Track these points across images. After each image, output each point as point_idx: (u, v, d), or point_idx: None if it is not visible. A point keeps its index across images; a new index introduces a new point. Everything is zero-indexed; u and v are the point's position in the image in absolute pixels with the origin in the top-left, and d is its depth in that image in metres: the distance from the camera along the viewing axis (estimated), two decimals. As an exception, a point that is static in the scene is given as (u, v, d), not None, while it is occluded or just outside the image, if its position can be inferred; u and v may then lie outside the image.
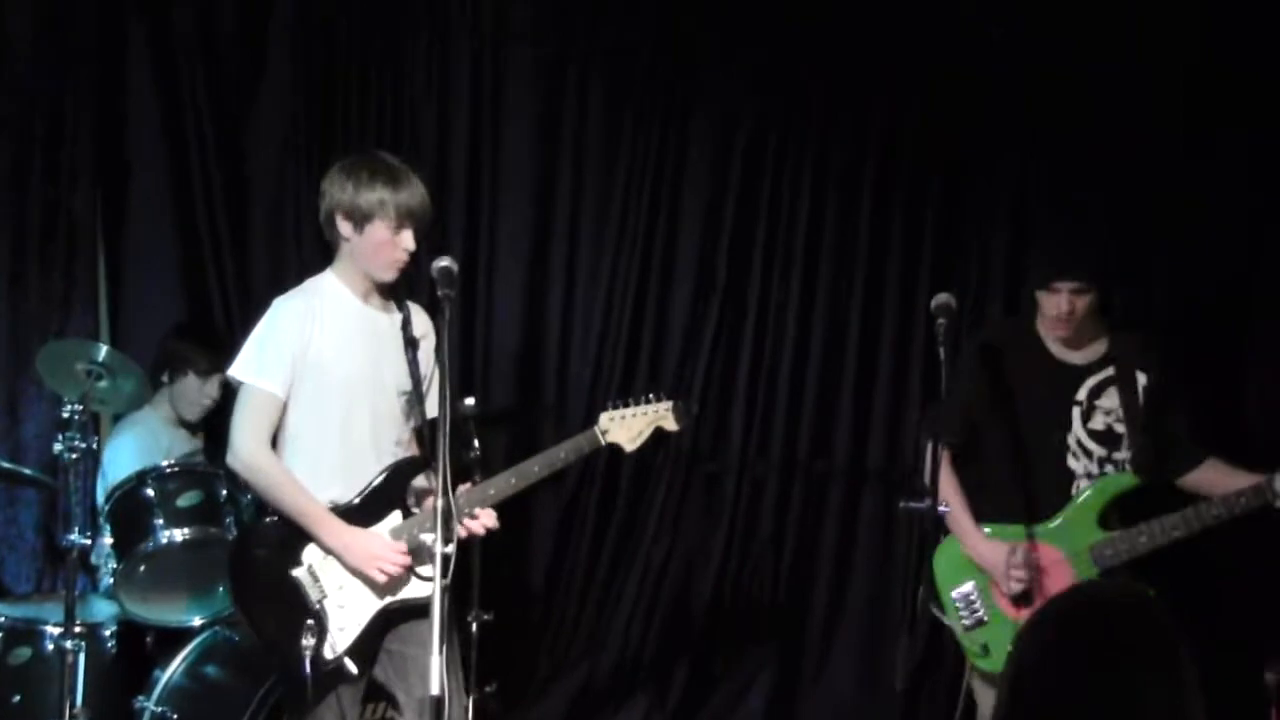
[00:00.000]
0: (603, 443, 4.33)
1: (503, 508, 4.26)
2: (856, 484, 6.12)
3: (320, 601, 4.09)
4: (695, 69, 6.12)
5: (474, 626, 5.11)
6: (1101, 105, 5.72)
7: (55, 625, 4.73)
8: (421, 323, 4.33)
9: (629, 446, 4.36)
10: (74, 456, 4.60)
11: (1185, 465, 4.59)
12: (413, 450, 4.34)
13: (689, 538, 6.20)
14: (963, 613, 4.62)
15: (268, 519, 4.20)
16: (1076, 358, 4.62)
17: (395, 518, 4.20)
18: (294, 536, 4.12)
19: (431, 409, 4.25)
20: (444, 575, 3.59)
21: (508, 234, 6.15)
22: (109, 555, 4.99)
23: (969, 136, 5.97)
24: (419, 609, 4.09)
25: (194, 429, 5.57)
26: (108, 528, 4.93)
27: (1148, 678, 2.19)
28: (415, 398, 4.25)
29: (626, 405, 4.35)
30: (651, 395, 4.39)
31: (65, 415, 4.62)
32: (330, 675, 4.07)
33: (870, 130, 6.08)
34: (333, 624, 4.08)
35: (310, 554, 4.13)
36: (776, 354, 6.13)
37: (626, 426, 4.33)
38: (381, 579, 4.10)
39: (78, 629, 4.66)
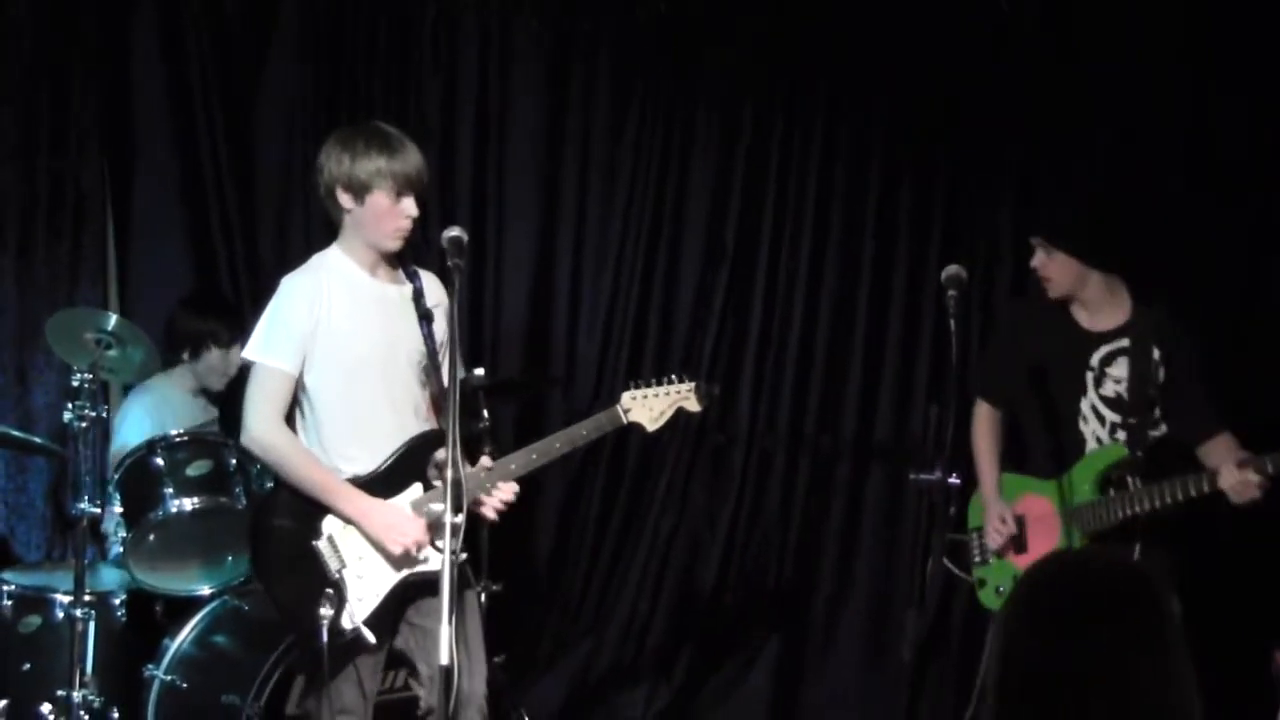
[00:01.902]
0: (624, 421, 4.32)
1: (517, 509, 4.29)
2: (864, 457, 6.14)
3: (339, 571, 4.09)
4: (703, 41, 6.10)
5: (482, 597, 5.13)
6: (1104, 93, 5.76)
7: (65, 594, 4.74)
8: (435, 291, 4.30)
9: (650, 426, 4.35)
10: (83, 425, 4.59)
11: (1196, 436, 4.68)
12: (432, 420, 4.33)
13: (696, 511, 6.22)
14: (974, 550, 4.89)
15: (285, 489, 4.20)
16: (1092, 324, 4.75)
17: (416, 490, 4.20)
18: (313, 506, 4.12)
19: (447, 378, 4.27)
20: (455, 546, 3.61)
21: (515, 205, 6.14)
22: (118, 524, 4.99)
23: (977, 108, 5.97)
24: (439, 584, 4.11)
25: (213, 398, 5.57)
26: (117, 496, 4.92)
27: (1134, 643, 2.19)
28: (431, 367, 4.25)
29: (649, 385, 4.34)
30: (674, 376, 4.38)
31: (75, 384, 4.61)
32: (348, 645, 4.08)
33: (878, 103, 6.07)
34: (351, 594, 4.09)
35: (330, 524, 4.13)
36: (785, 326, 6.14)
37: (648, 406, 4.32)
38: (398, 550, 4.10)
39: (87, 597, 4.66)
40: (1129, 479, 4.61)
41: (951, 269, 4.36)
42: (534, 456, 4.25)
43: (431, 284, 4.32)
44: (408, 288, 4.27)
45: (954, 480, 4.41)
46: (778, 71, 6.09)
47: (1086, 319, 4.75)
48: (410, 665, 4.34)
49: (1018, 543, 4.78)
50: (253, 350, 4.18)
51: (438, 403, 4.32)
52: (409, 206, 4.15)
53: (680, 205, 6.16)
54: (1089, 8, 5.81)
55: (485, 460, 4.22)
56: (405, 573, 4.16)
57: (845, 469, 6.15)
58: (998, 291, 5.96)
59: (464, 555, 3.85)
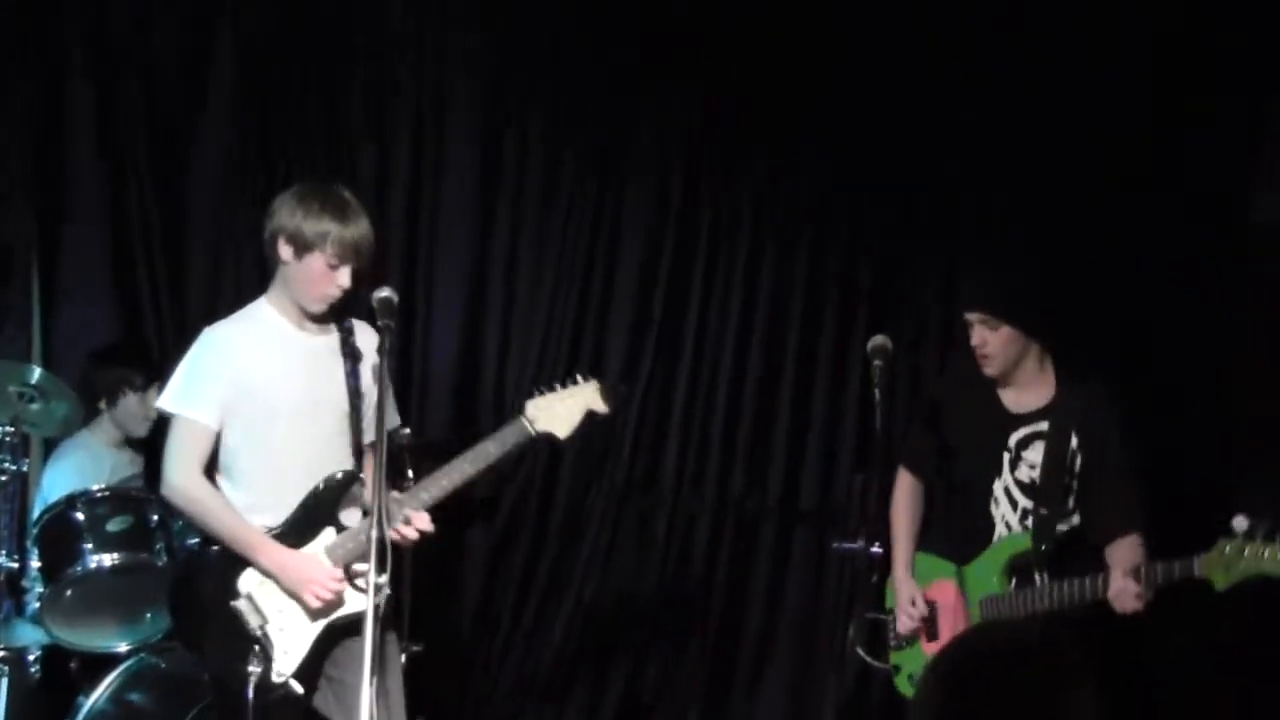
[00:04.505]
0: (533, 432, 4.22)
1: (435, 540, 4.25)
2: (788, 523, 6.16)
3: (262, 628, 4.08)
4: (636, 110, 6.16)
5: (402, 658, 5.10)
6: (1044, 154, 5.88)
7: (-22, 650, 4.69)
8: (367, 339, 4.30)
9: (563, 434, 4.25)
10: (3, 479, 4.56)
11: (1104, 534, 4.44)
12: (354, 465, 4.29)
13: (620, 573, 6.21)
14: (890, 634, 4.69)
15: (202, 549, 4.20)
16: (1014, 404, 4.55)
17: (329, 534, 4.19)
18: (230, 566, 4.11)
19: (373, 426, 4.24)
20: (380, 601, 3.66)
21: (446, 266, 6.14)
22: (36, 579, 4.93)
23: (906, 187, 6.07)
24: (359, 625, 4.08)
25: (138, 448, 5.53)
26: (35, 551, 4.86)
27: (1049, 714, 2.23)
28: (353, 411, 4.24)
29: (551, 390, 4.25)
30: (577, 376, 4.29)
31: (-5, 437, 4.59)
32: (278, 701, 4.07)
33: (808, 172, 6.14)
34: (276, 648, 4.08)
35: (246, 582, 4.11)
36: (711, 392, 6.17)
37: (555, 413, 4.22)
38: (315, 603, 4.09)
39: (2, 654, 4.60)
40: (1035, 573, 4.38)
41: (877, 339, 4.39)
42: (444, 483, 4.18)
43: (364, 333, 4.31)
44: (335, 335, 4.27)
45: (876, 550, 4.45)
46: (709, 141, 6.15)
47: (1012, 398, 4.53)
48: None
49: (930, 629, 4.56)
50: (170, 402, 4.17)
51: (360, 448, 4.29)
52: (343, 277, 4.15)
53: (610, 270, 6.18)
54: (1030, 74, 5.94)
55: (394, 493, 4.19)
56: (325, 621, 4.15)
57: (769, 535, 6.17)
58: (924, 361, 6.02)
59: (387, 591, 3.80)
